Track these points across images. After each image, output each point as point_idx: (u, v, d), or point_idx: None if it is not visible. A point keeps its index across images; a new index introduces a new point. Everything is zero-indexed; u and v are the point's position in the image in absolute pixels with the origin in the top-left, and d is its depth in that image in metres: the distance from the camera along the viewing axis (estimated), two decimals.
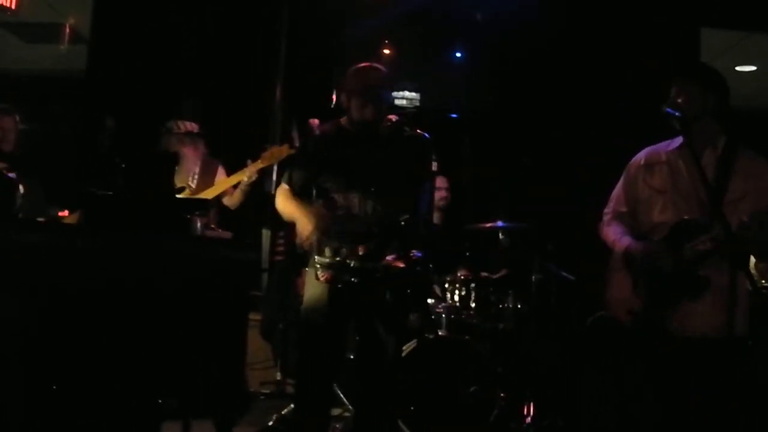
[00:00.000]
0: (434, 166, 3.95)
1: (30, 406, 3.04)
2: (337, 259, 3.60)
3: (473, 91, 7.39)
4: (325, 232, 3.74)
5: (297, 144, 5.22)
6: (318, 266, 3.66)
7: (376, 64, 4.01)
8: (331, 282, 3.68)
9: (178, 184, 5.29)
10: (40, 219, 4.28)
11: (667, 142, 3.77)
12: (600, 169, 6.11)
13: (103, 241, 3.31)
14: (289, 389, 6.18)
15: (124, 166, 4.13)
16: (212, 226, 4.74)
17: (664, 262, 3.50)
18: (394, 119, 3.92)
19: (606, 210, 3.95)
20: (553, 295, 5.58)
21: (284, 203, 4.03)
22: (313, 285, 3.85)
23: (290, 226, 6.31)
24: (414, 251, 3.66)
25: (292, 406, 5.18)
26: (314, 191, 3.94)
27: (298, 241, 3.81)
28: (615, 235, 3.78)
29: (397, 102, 7.22)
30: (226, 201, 5.56)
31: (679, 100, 3.58)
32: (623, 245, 3.69)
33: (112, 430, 3.23)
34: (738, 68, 8.28)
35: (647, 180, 3.74)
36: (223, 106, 5.73)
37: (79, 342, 3.15)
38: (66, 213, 4.83)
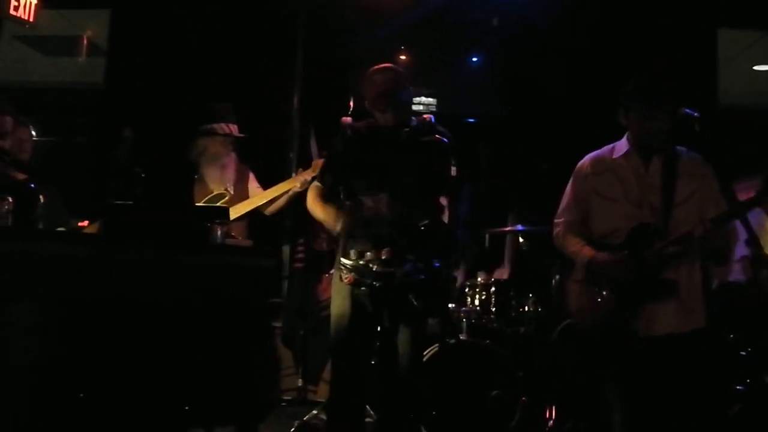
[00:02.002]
0: (453, 171, 3.93)
1: (54, 415, 3.06)
2: (361, 262, 3.59)
3: (490, 95, 7.39)
4: (350, 233, 3.74)
5: (313, 152, 5.22)
6: (342, 268, 3.65)
7: (386, 65, 3.97)
8: (353, 284, 3.67)
9: (215, 189, 5.25)
10: (61, 229, 4.32)
11: (608, 147, 3.88)
12: None
13: (123, 251, 3.32)
14: (311, 395, 6.19)
15: (143, 176, 4.15)
16: (232, 234, 4.72)
17: (629, 270, 3.58)
18: (426, 119, 3.92)
19: (557, 219, 4.00)
20: None
21: (313, 202, 4.04)
22: (338, 289, 3.86)
23: (310, 234, 6.37)
24: (434, 260, 3.63)
25: (314, 412, 5.20)
26: (342, 191, 3.90)
27: (319, 243, 3.81)
28: (575, 246, 3.84)
29: (414, 107, 7.23)
30: (269, 209, 5.39)
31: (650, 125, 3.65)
32: (586, 256, 3.75)
33: None
34: (756, 68, 8.24)
35: (595, 186, 3.81)
36: (241, 114, 5.72)
37: (102, 351, 3.17)
38: (86, 223, 4.85)
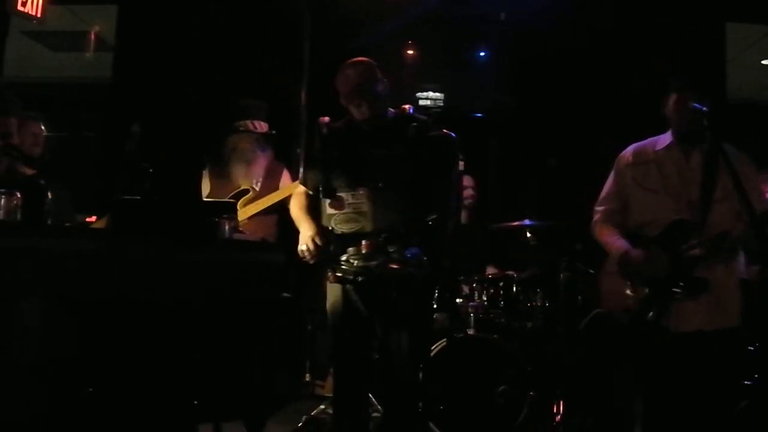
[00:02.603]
0: (461, 166, 3.92)
1: (63, 411, 3.06)
2: (343, 258, 3.59)
3: (497, 90, 7.38)
4: (324, 238, 3.75)
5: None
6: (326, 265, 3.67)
7: (355, 60, 3.97)
8: (338, 281, 3.67)
9: (242, 186, 5.25)
10: (68, 224, 4.32)
11: (653, 139, 3.88)
12: None
13: (130, 246, 3.32)
14: (318, 390, 6.20)
15: (151, 171, 4.15)
16: (240, 229, 4.71)
17: (661, 267, 3.59)
18: (405, 109, 3.91)
19: (597, 207, 4.02)
20: (582, 294, 5.56)
21: (293, 206, 4.09)
22: (330, 288, 3.88)
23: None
24: (409, 250, 3.60)
25: (322, 407, 5.20)
26: (322, 191, 3.89)
27: (298, 249, 3.82)
28: (609, 237, 3.86)
29: (421, 102, 7.23)
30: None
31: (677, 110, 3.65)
32: (619, 249, 3.76)
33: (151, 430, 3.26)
34: (764, 62, 8.22)
35: (637, 178, 3.83)
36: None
37: (111, 346, 3.17)
38: (94, 218, 4.86)
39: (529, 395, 4.88)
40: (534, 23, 6.98)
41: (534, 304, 5.43)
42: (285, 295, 5.06)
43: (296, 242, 3.89)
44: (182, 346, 3.33)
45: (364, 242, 3.56)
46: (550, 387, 5.16)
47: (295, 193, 4.19)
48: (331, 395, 5.54)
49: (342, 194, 3.80)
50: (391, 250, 3.54)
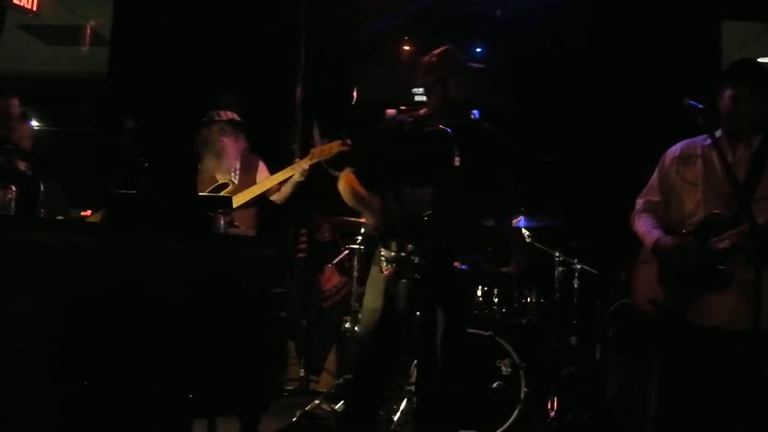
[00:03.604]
0: (456, 162, 3.90)
1: (57, 404, 3.06)
2: (402, 254, 3.56)
3: (493, 87, 7.37)
4: (390, 226, 3.71)
5: (316, 141, 5.20)
6: (383, 260, 3.64)
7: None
8: (393, 276, 3.64)
9: (219, 179, 5.25)
10: (61, 218, 4.32)
11: (702, 136, 3.76)
12: (621, 165, 6.13)
13: (125, 240, 3.32)
14: (313, 386, 6.21)
15: (146, 165, 4.15)
16: (236, 224, 4.71)
17: (691, 256, 3.52)
18: (476, 120, 3.92)
19: (639, 198, 3.96)
20: (576, 290, 5.58)
21: (349, 188, 3.96)
22: (373, 283, 3.86)
23: (312, 225, 6.38)
24: (472, 253, 3.61)
25: (316, 402, 5.21)
26: (383, 183, 3.86)
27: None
28: (645, 226, 3.79)
29: (417, 98, 7.22)
30: (274, 197, 5.36)
31: (730, 101, 3.58)
32: (653, 238, 3.71)
33: (146, 424, 3.25)
34: (760, 59, 8.22)
35: (681, 172, 3.75)
36: (244, 105, 5.71)
37: (105, 341, 3.17)
38: (89, 213, 4.86)
39: (524, 391, 4.89)
40: (529, 21, 6.98)
41: (529, 300, 5.44)
42: (278, 290, 5.08)
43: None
44: (176, 341, 3.32)
45: (426, 242, 3.54)
46: (544, 383, 5.18)
47: (344, 174, 4.09)
48: (325, 390, 5.58)
49: (403, 190, 3.78)
50: (450, 250, 3.55)
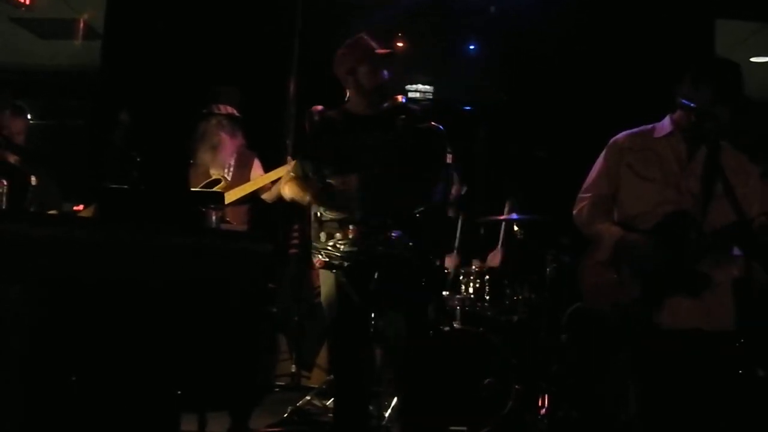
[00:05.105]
0: (449, 159, 3.92)
1: (45, 398, 3.05)
2: (330, 243, 3.58)
3: (487, 83, 7.38)
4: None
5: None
6: (314, 252, 3.66)
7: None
8: (325, 267, 3.67)
9: (213, 174, 5.23)
10: (53, 212, 4.31)
11: (648, 126, 3.68)
12: None
13: (116, 234, 3.31)
14: (304, 381, 6.21)
15: (139, 159, 4.15)
16: (227, 219, 4.70)
17: (662, 257, 3.40)
18: (402, 104, 3.92)
19: (582, 194, 3.80)
20: (568, 287, 5.57)
21: (287, 191, 4.04)
22: (324, 277, 3.88)
23: (304, 220, 6.35)
24: (393, 232, 3.59)
25: (307, 397, 5.21)
26: (310, 175, 3.90)
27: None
28: (601, 224, 3.65)
29: (411, 95, 7.22)
30: (265, 195, 5.35)
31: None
32: (613, 236, 3.56)
33: (133, 421, 3.25)
34: (753, 59, 8.25)
35: (631, 164, 3.61)
36: (241, 100, 5.71)
37: (94, 335, 3.16)
38: (81, 207, 4.85)
39: (515, 388, 4.88)
40: (524, 16, 6.98)
41: (520, 297, 5.43)
42: (270, 285, 5.08)
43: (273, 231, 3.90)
44: (166, 335, 3.32)
45: (350, 228, 3.56)
46: (535, 380, 5.17)
47: (284, 179, 4.18)
48: (316, 386, 5.57)
49: (330, 180, 3.79)
50: (377, 236, 3.55)
